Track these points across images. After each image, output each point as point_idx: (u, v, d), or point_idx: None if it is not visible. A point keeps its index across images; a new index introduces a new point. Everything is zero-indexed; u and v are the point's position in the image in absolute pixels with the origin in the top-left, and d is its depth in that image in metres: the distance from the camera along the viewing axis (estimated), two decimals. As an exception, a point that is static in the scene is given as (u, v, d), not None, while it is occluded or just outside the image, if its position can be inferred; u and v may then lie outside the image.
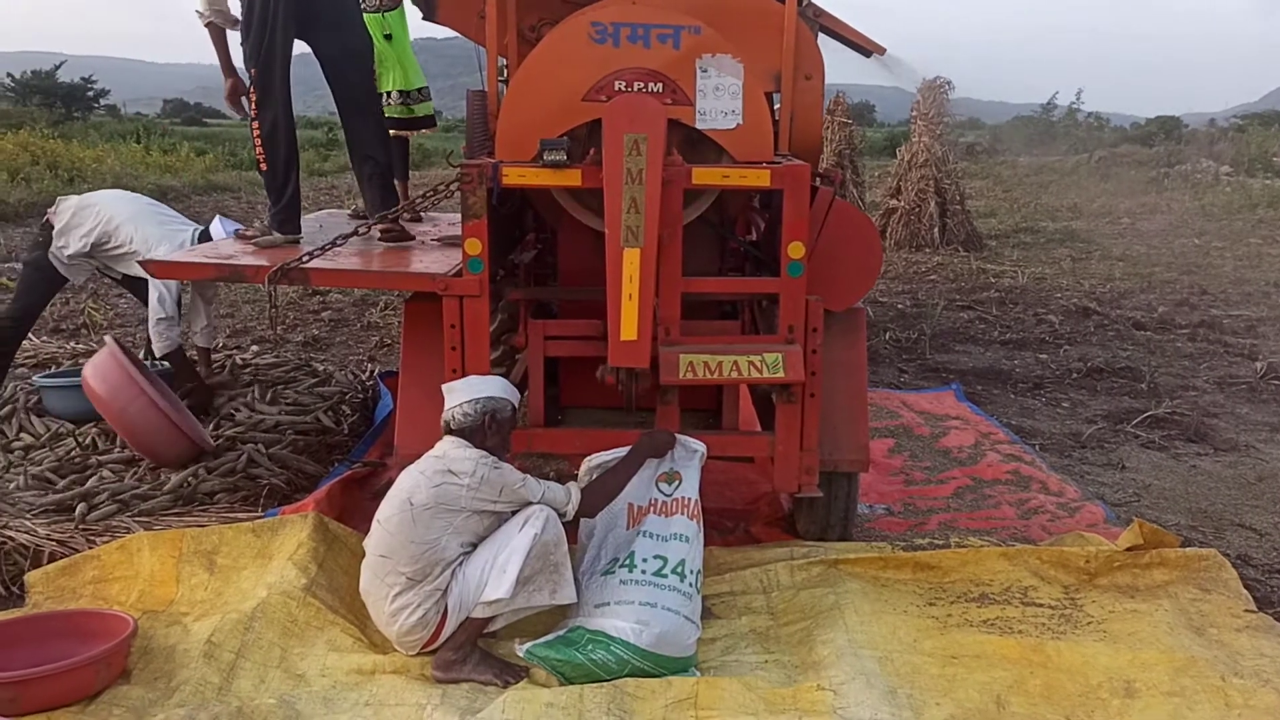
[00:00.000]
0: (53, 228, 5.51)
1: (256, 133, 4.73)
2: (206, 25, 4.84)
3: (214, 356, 6.39)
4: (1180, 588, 4.00)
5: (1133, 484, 5.64)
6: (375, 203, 4.93)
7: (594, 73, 3.82)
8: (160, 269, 4.59)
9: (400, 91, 6.50)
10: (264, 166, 4.77)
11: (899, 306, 10.37)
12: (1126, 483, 5.66)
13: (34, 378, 5.81)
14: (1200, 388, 7.56)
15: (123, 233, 5.42)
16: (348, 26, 4.90)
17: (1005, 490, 5.39)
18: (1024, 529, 4.86)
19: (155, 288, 5.32)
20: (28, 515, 4.38)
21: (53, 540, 4.23)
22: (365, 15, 5.81)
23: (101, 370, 4.90)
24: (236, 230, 5.40)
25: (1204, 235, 15.61)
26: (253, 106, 4.70)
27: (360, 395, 6.25)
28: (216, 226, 5.43)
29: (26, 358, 6.72)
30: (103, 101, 42.81)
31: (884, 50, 4.68)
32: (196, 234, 5.46)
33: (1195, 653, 3.49)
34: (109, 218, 5.44)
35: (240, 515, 4.43)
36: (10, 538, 4.22)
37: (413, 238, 4.91)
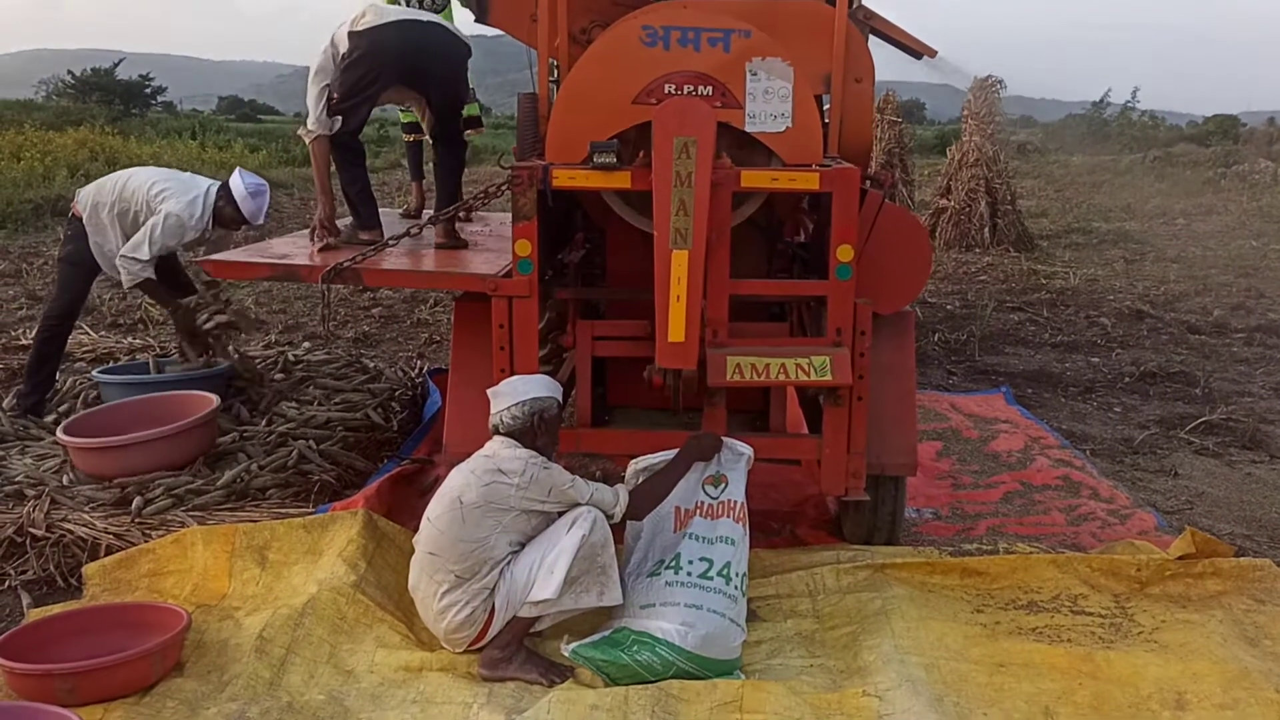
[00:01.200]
0: (79, 219, 5.58)
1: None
2: (312, 142, 4.95)
3: (267, 353, 6.48)
4: (1234, 598, 3.94)
5: (1185, 491, 5.55)
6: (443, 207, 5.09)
7: (644, 76, 3.83)
8: (217, 269, 4.68)
9: None
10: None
11: (948, 307, 10.28)
12: (1179, 490, 5.57)
13: (93, 372, 5.91)
14: (1256, 393, 7.43)
15: (138, 196, 5.45)
16: (455, 81, 5.23)
17: (1055, 496, 5.33)
18: (1074, 536, 4.81)
19: (149, 226, 5.31)
20: (85, 509, 4.47)
21: (109, 534, 4.32)
22: None
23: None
24: (259, 185, 5.47)
25: (1261, 237, 15.31)
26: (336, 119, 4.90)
27: (409, 392, 6.30)
28: (236, 179, 5.47)
29: (84, 352, 6.85)
30: (160, 99, 43.40)
31: (935, 53, 4.66)
32: (214, 189, 5.49)
33: (1249, 664, 3.44)
34: (123, 185, 5.50)
35: (291, 511, 4.48)
36: (68, 530, 4.33)
37: (466, 245, 4.97)
